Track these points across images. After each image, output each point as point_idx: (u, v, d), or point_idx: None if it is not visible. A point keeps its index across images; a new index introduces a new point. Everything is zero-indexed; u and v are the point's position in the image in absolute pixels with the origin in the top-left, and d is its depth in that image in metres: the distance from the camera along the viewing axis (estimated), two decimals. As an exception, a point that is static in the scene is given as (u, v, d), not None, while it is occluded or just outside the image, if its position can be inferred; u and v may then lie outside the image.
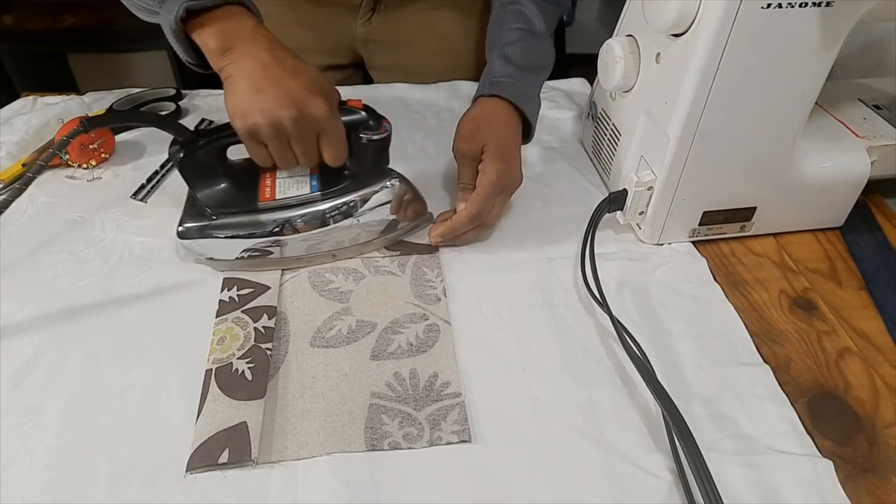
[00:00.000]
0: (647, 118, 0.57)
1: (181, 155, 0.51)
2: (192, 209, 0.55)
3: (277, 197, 0.54)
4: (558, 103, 0.80)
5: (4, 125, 0.70)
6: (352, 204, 0.55)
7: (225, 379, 0.46)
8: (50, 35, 1.46)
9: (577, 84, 0.84)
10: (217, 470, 0.41)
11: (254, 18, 0.51)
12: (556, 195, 0.66)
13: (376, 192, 0.55)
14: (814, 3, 0.47)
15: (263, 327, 0.50)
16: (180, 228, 0.54)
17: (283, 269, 0.56)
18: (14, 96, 0.77)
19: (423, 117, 0.77)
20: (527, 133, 0.63)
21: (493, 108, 0.61)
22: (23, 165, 0.65)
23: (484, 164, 0.57)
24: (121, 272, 0.55)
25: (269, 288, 0.54)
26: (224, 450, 0.42)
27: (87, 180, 0.66)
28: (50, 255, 0.56)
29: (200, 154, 0.52)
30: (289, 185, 0.55)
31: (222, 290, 0.53)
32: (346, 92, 0.80)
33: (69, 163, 0.66)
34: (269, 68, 0.48)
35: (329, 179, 0.55)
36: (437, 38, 0.75)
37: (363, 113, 0.52)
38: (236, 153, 0.53)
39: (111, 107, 0.74)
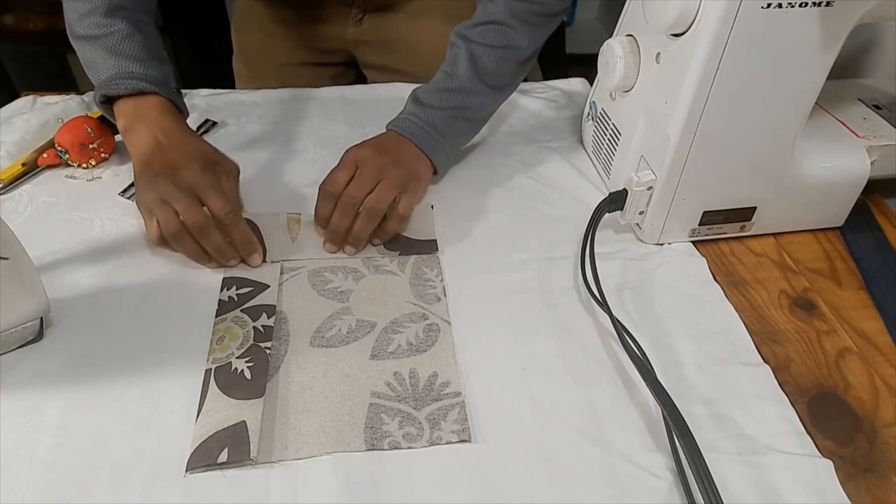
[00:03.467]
0: (647, 118, 0.57)
1: None
2: None
3: None
4: (558, 103, 0.80)
5: (4, 125, 0.69)
6: None
7: (224, 378, 0.46)
8: (50, 35, 1.46)
9: (577, 84, 0.84)
10: (217, 469, 0.41)
11: (161, 105, 0.59)
12: (556, 195, 0.66)
13: None
14: (814, 3, 0.47)
15: (263, 326, 0.50)
16: None
17: (282, 268, 0.56)
18: (14, 96, 0.76)
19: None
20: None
21: (384, 137, 0.63)
22: (22, 165, 0.65)
23: None
24: (120, 272, 0.55)
25: (269, 287, 0.54)
26: (223, 449, 0.42)
27: (87, 180, 0.66)
28: (50, 254, 0.56)
29: None
30: None
31: (222, 290, 0.53)
32: (345, 92, 0.81)
33: (69, 162, 0.66)
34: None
35: None
36: (428, 39, 0.76)
37: None
38: None
39: None
